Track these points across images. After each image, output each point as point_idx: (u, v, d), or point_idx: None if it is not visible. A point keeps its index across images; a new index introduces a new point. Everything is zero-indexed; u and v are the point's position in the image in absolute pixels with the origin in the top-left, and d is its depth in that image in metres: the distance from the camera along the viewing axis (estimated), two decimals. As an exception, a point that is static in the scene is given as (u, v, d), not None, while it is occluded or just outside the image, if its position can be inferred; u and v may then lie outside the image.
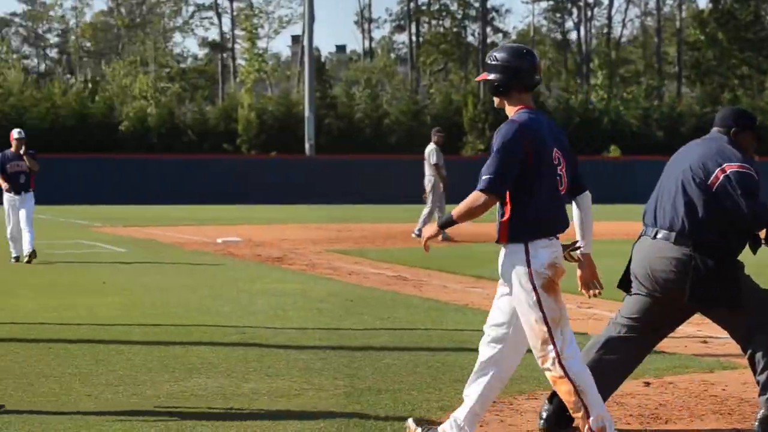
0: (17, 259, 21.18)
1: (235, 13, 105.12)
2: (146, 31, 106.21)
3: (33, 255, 20.85)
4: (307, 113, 66.02)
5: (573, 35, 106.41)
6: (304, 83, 71.38)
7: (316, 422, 7.93)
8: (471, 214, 6.77)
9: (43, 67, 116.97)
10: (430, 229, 6.95)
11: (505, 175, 6.69)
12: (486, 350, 7.07)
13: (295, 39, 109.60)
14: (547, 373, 6.87)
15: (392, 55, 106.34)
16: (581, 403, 6.78)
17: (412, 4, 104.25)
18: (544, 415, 7.62)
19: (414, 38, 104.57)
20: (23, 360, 10.34)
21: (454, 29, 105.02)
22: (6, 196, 21.40)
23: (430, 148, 27.51)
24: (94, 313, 13.82)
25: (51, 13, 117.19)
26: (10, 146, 21.44)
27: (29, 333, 12.09)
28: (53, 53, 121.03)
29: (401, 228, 31.97)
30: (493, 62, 6.95)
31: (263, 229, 32.69)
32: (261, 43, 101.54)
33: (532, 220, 6.76)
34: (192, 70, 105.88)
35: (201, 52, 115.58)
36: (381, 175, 62.75)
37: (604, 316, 13.22)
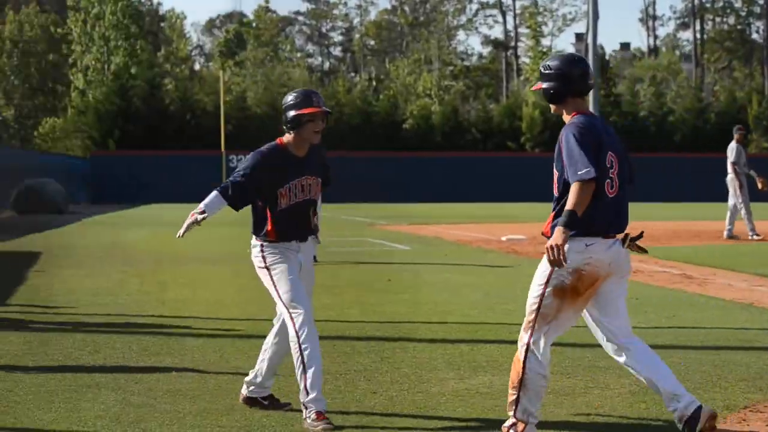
0: None
1: (518, 11, 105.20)
2: (430, 30, 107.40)
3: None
4: (591, 111, 65.78)
5: None
6: (588, 80, 70.92)
7: (604, 419, 7.91)
8: (583, 203, 6.87)
9: (327, 65, 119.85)
10: (558, 236, 6.87)
11: (589, 161, 6.88)
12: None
13: (579, 37, 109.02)
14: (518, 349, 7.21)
15: (677, 53, 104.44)
16: (517, 392, 7.16)
17: (696, 2, 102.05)
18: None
19: (698, 36, 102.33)
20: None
21: (738, 26, 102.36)
22: None
23: (731, 146, 26.97)
24: (379, 310, 14.01)
25: (335, 11, 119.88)
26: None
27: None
28: (337, 51, 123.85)
29: (685, 226, 31.40)
30: (546, 71, 7.25)
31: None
32: (545, 41, 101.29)
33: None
34: (476, 68, 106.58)
35: (484, 50, 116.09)
36: (665, 174, 61.68)
37: None
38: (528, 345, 7.15)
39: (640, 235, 7.35)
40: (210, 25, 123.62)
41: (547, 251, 6.87)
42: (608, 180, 7.03)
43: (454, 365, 10.05)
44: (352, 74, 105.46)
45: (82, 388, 8.85)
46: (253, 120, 74.93)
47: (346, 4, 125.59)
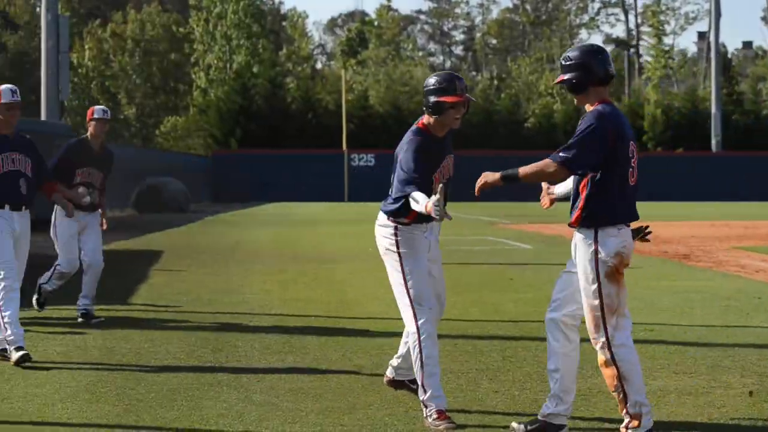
0: None
1: (640, 10, 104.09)
2: (552, 28, 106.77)
3: None
4: (713, 110, 64.68)
5: None
6: (710, 79, 69.84)
7: (726, 419, 7.77)
8: (536, 176, 7.26)
9: (448, 64, 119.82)
10: (492, 175, 7.32)
11: (584, 156, 7.05)
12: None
13: (701, 35, 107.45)
14: (599, 355, 7.25)
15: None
16: (621, 388, 7.15)
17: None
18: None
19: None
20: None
21: None
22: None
23: None
24: (501, 309, 13.91)
25: (456, 10, 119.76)
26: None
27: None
28: (458, 50, 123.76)
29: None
30: (567, 63, 7.30)
31: (669, 226, 32.15)
32: (667, 40, 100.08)
33: (604, 208, 7.12)
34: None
35: (607, 49, 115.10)
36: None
37: None
38: (608, 341, 7.16)
39: (649, 230, 7.71)
40: (332, 24, 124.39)
41: (478, 183, 7.36)
42: (630, 169, 7.21)
43: (577, 366, 9.89)
44: (474, 73, 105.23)
45: (204, 387, 8.88)
46: (375, 119, 75.20)
47: (467, 2, 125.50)
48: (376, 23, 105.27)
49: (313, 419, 7.78)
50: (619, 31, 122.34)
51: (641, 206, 7.50)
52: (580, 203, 7.20)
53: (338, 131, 63.53)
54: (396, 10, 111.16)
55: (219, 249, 24.42)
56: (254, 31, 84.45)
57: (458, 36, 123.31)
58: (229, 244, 25.94)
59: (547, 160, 7.14)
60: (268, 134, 72.82)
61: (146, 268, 19.48)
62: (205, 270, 19.38)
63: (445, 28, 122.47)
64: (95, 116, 12.78)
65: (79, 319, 12.74)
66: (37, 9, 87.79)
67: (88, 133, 12.87)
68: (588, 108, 7.24)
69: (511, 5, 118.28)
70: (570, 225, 7.30)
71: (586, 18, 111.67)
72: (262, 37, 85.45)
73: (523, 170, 7.23)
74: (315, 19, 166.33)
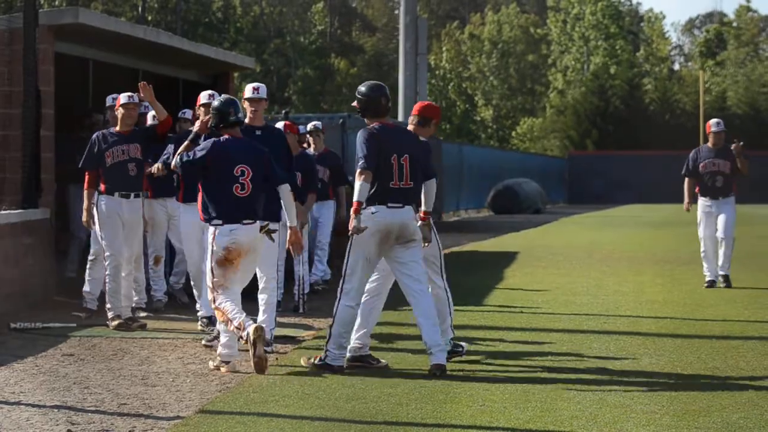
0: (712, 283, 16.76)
1: None
2: None
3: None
4: None
5: None
6: None
7: None
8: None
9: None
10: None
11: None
12: None
13: None
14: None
15: None
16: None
17: None
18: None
19: None
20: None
21: None
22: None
23: None
24: None
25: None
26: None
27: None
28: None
29: None
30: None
31: None
32: None
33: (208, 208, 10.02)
34: None
35: None
36: None
37: None
38: (214, 300, 10.71)
39: (268, 227, 10.13)
40: (690, 25, 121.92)
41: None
42: (237, 183, 9.97)
43: None
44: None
45: (558, 388, 8.97)
46: (733, 120, 73.36)
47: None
48: (734, 24, 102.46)
49: (668, 421, 7.76)
50: None
51: None
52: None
53: (696, 132, 62.05)
54: (755, 11, 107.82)
55: (574, 250, 24.43)
56: (612, 32, 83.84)
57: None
58: (584, 245, 25.90)
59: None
60: (624, 135, 72.19)
61: (502, 269, 19.74)
62: (560, 270, 19.47)
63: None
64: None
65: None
66: (396, 11, 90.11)
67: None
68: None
69: None
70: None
71: None
72: (620, 38, 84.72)
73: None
74: (673, 20, 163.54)
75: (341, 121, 21.44)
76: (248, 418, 7.91)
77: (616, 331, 12.22)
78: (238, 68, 22.01)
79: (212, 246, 9.85)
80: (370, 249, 9.66)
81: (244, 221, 9.87)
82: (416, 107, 10.58)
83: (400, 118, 40.45)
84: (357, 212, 9.53)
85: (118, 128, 12.71)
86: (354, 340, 9.85)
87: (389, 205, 9.66)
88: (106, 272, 12.44)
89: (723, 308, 14.16)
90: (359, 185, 9.56)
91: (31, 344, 11.12)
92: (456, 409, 8.26)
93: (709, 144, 17.17)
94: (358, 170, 9.59)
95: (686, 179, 17.41)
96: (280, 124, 13.21)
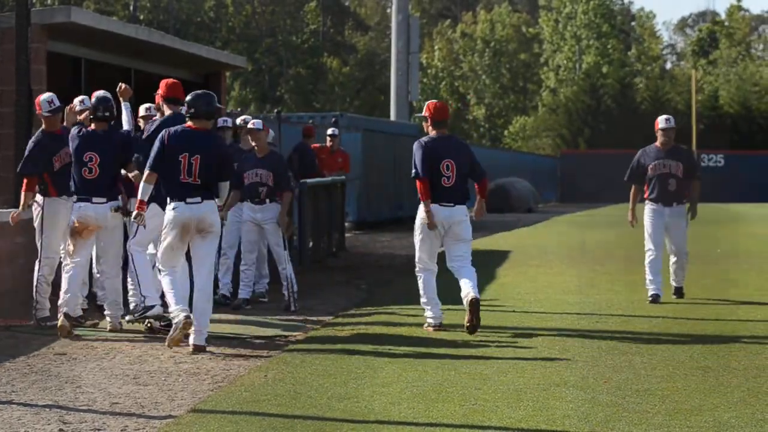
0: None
1: None
2: None
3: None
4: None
5: None
6: None
7: None
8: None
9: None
10: None
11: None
12: None
13: None
14: None
15: None
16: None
17: None
18: None
19: None
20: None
21: None
22: None
23: None
24: None
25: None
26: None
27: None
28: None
29: None
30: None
31: None
32: None
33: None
34: None
35: None
36: None
37: None
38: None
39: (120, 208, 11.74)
40: (682, 24, 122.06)
41: None
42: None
43: None
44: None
45: (550, 387, 8.98)
46: (725, 119, 73.48)
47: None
48: (726, 23, 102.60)
49: (660, 420, 7.77)
50: None
51: None
52: None
53: (688, 131, 62.16)
54: (747, 10, 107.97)
55: (566, 249, 24.44)
56: (604, 31, 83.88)
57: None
58: (575, 245, 25.92)
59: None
60: (616, 134, 72.27)
61: (495, 268, 19.75)
62: (552, 269, 19.48)
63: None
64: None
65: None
66: (388, 10, 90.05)
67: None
68: None
69: None
70: None
71: None
72: (612, 37, 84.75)
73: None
74: (665, 19, 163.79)
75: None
76: (240, 417, 7.92)
77: (609, 330, 12.23)
78: (230, 67, 22.04)
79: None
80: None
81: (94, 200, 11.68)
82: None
83: (392, 117, 40.45)
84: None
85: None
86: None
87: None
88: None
89: (715, 307, 14.18)
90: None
91: (23, 343, 11.12)
92: (448, 408, 8.26)
93: (657, 143, 15.17)
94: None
95: (632, 186, 15.70)
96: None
